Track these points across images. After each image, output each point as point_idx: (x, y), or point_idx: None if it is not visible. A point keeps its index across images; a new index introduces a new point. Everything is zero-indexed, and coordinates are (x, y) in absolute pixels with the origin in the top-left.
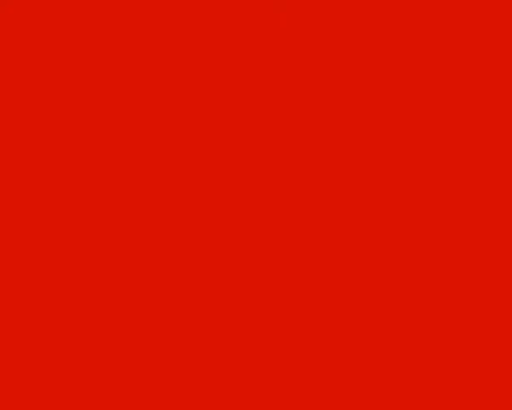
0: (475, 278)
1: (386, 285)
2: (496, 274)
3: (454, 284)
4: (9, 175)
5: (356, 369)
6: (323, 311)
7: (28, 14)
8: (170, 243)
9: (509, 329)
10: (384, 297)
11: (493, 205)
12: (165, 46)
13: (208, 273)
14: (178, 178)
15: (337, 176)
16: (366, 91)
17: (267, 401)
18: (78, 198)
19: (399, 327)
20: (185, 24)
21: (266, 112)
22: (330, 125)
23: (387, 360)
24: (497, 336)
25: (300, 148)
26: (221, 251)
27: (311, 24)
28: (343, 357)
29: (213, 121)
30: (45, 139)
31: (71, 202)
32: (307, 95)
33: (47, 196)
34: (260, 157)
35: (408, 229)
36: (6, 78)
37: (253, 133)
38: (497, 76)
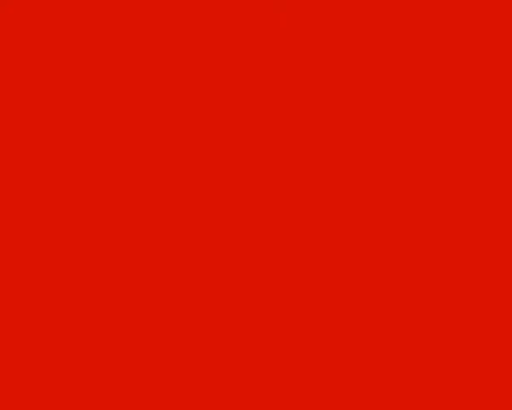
0: (475, 277)
1: (386, 284)
2: (496, 274)
3: (454, 283)
4: (9, 175)
5: (356, 369)
6: (323, 310)
7: (28, 14)
8: (169, 242)
9: (509, 329)
10: (384, 296)
11: (493, 205)
12: (166, 46)
13: (208, 273)
14: (178, 178)
15: (337, 175)
16: (366, 91)
17: (267, 401)
18: (78, 198)
19: (399, 327)
20: (185, 23)
21: (266, 111)
22: (330, 125)
23: (387, 360)
24: (497, 335)
25: (300, 147)
26: (221, 250)
27: (311, 24)
28: (343, 357)
29: (213, 121)
30: (45, 139)
31: (71, 202)
32: (307, 94)
33: (46, 195)
34: (260, 156)
35: (407, 228)
36: (6, 78)
37: (252, 133)
38: (497, 76)
